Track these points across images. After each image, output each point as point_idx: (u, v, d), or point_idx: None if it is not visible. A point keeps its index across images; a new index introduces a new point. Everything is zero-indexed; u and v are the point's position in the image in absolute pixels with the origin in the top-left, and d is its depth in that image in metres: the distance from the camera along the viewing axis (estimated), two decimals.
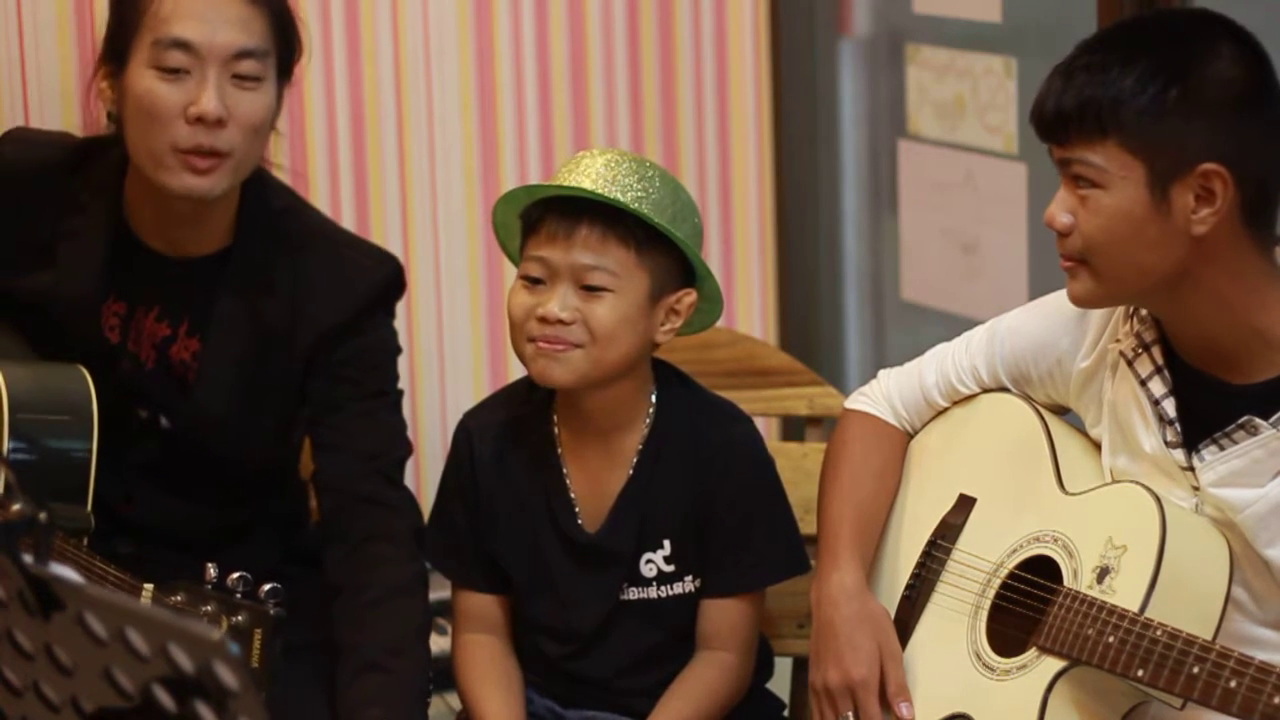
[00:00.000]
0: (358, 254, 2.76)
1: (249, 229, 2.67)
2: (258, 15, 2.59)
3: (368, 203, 3.74)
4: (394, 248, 3.80)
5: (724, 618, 2.55)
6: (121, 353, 2.69)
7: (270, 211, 2.70)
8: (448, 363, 3.83)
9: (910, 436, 2.57)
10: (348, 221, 3.69)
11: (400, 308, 3.82)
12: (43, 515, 1.65)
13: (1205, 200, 2.17)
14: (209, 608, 2.33)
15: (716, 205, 4.00)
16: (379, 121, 3.71)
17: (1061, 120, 2.21)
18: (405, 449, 2.74)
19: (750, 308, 4.01)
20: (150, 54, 2.55)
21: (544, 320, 2.42)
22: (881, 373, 2.61)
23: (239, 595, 2.31)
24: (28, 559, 1.58)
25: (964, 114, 3.84)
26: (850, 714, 2.37)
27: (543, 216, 2.45)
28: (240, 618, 2.31)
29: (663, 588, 2.55)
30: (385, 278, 2.75)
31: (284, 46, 2.64)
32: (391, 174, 3.75)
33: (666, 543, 2.53)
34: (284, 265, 2.67)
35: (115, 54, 2.60)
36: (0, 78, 3.34)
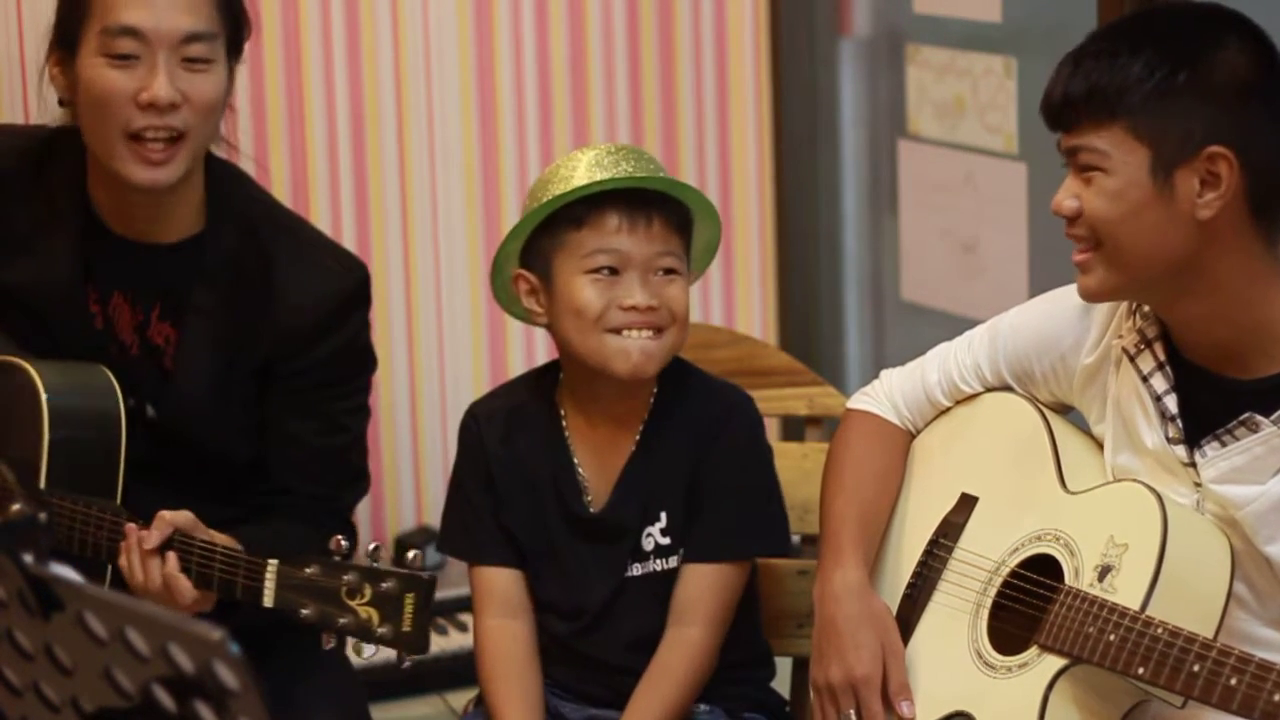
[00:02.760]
0: (326, 257, 2.73)
1: (221, 217, 2.66)
2: None
3: (368, 203, 3.75)
4: (394, 248, 3.81)
5: (695, 584, 2.54)
6: (108, 339, 2.69)
7: (242, 203, 2.69)
8: (448, 361, 3.83)
9: (913, 436, 2.57)
10: (348, 221, 3.69)
11: (400, 307, 3.83)
12: (43, 515, 1.65)
13: (1210, 184, 2.17)
14: (349, 577, 2.36)
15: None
16: (379, 121, 3.72)
17: (1070, 106, 2.22)
18: (359, 489, 2.75)
19: (750, 308, 4.01)
20: (99, 42, 2.55)
21: (634, 309, 2.47)
22: (884, 372, 2.62)
23: (376, 564, 2.36)
24: (28, 559, 1.58)
25: (964, 114, 3.84)
26: (852, 712, 2.37)
27: (592, 210, 2.48)
28: (388, 584, 2.35)
29: (659, 561, 2.56)
30: (350, 286, 2.71)
31: (233, 26, 2.63)
32: (391, 174, 3.75)
33: (663, 515, 2.55)
34: (254, 259, 2.67)
35: (65, 41, 2.60)
36: (0, 78, 3.35)
